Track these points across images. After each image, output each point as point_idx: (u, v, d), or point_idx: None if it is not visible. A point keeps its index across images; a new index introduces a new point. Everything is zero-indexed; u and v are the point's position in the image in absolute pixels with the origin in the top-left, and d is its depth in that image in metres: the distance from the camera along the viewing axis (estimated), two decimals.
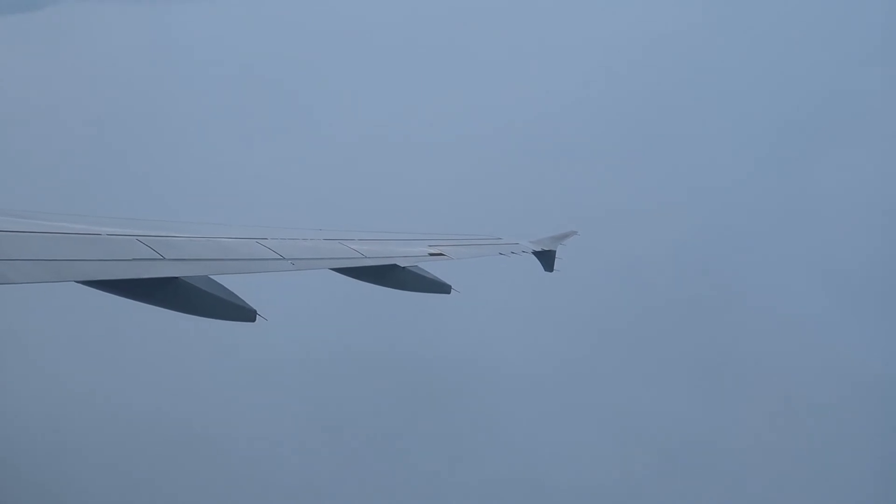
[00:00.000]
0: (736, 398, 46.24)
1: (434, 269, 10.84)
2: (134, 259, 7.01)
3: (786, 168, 58.38)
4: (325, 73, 67.12)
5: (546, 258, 14.99)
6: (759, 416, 45.30)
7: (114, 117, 61.66)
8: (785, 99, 62.30)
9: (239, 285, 7.66)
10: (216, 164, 58.69)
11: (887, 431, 43.06)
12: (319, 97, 65.61)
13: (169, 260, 7.27)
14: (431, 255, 11.00)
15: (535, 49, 68.64)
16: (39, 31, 68.38)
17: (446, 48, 67.97)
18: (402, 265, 10.30)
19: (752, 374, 47.94)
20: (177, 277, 7.22)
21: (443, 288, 10.96)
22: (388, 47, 68.55)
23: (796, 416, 45.19)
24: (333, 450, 41.92)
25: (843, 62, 62.52)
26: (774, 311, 50.14)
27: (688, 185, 57.25)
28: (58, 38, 67.01)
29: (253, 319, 7.59)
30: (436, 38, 68.32)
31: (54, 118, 60.97)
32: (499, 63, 67.56)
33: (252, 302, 7.60)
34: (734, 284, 52.02)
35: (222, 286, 7.59)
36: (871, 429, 43.80)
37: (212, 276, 7.55)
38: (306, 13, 69.89)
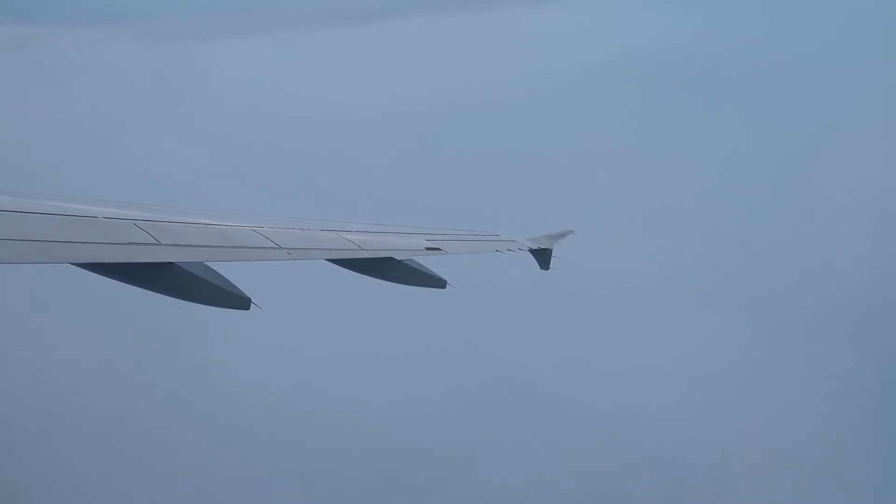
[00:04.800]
0: (728, 397, 46.24)
1: (430, 264, 10.83)
2: (130, 243, 6.99)
3: (785, 167, 58.37)
4: (321, 66, 67.17)
5: (542, 256, 15.02)
6: (757, 417, 45.33)
7: (117, 107, 61.88)
8: (784, 97, 62.35)
9: (234, 273, 7.66)
10: (214, 151, 58.66)
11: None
12: (318, 87, 65.59)
13: (165, 245, 7.26)
14: (428, 249, 10.98)
15: (531, 46, 68.60)
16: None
17: (445, 46, 67.89)
18: (398, 258, 10.29)
19: (749, 375, 47.90)
20: (172, 263, 7.21)
21: (438, 283, 10.94)
22: (384, 39, 68.51)
23: (795, 416, 45.18)
24: (325, 440, 41.92)
25: (843, 61, 62.54)
26: (773, 311, 50.10)
27: (685, 185, 57.25)
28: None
29: (247, 307, 7.58)
30: (430, 33, 68.28)
31: (59, 110, 61.35)
32: (496, 60, 67.52)
33: (247, 290, 7.60)
34: (731, 284, 52.01)
35: (217, 273, 7.58)
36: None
37: (207, 263, 7.54)
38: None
